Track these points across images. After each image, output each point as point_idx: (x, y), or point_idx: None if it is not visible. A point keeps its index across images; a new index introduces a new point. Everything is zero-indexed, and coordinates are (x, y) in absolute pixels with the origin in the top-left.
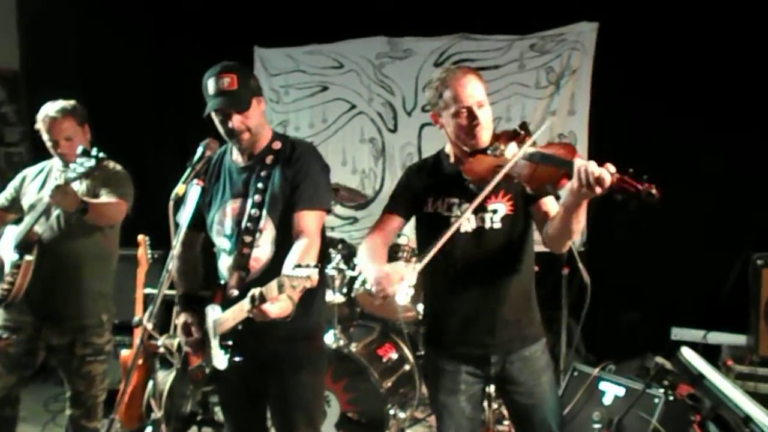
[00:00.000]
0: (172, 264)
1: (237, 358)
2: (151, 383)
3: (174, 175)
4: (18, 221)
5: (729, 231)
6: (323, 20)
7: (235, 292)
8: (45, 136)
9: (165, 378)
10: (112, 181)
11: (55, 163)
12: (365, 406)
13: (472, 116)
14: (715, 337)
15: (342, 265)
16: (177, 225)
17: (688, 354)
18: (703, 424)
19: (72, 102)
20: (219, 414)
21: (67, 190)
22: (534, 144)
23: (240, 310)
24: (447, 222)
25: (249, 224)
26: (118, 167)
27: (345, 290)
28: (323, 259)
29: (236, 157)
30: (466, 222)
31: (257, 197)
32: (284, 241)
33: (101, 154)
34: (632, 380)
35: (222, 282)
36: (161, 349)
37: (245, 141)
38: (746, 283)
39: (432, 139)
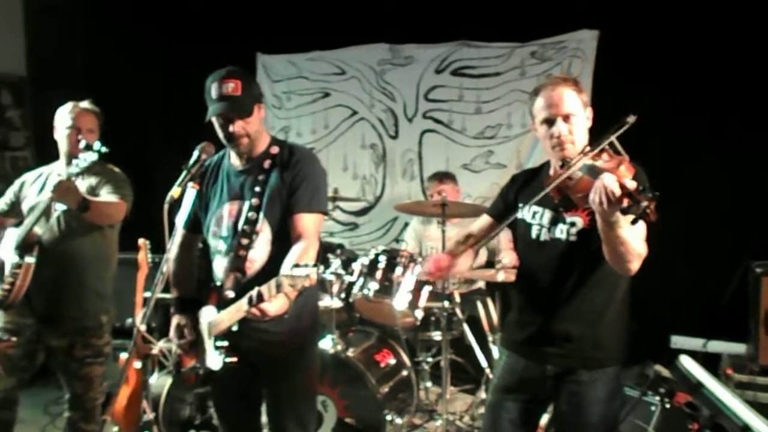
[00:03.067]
0: (166, 266)
1: (231, 359)
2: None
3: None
4: (18, 224)
5: (729, 239)
6: (325, 27)
7: (231, 294)
8: (66, 124)
9: (162, 381)
10: (112, 181)
11: (55, 167)
12: (362, 411)
13: (552, 127)
14: (715, 346)
15: (340, 270)
16: (172, 228)
17: (686, 362)
18: None
19: None
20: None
21: (69, 185)
22: (601, 154)
23: (237, 311)
24: (528, 228)
25: (246, 226)
26: (117, 170)
27: (343, 295)
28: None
29: (234, 160)
30: (545, 231)
31: (254, 200)
32: (280, 243)
33: (104, 149)
34: (630, 387)
35: (217, 283)
36: (155, 351)
37: (243, 146)
38: (746, 292)
39: (433, 145)
